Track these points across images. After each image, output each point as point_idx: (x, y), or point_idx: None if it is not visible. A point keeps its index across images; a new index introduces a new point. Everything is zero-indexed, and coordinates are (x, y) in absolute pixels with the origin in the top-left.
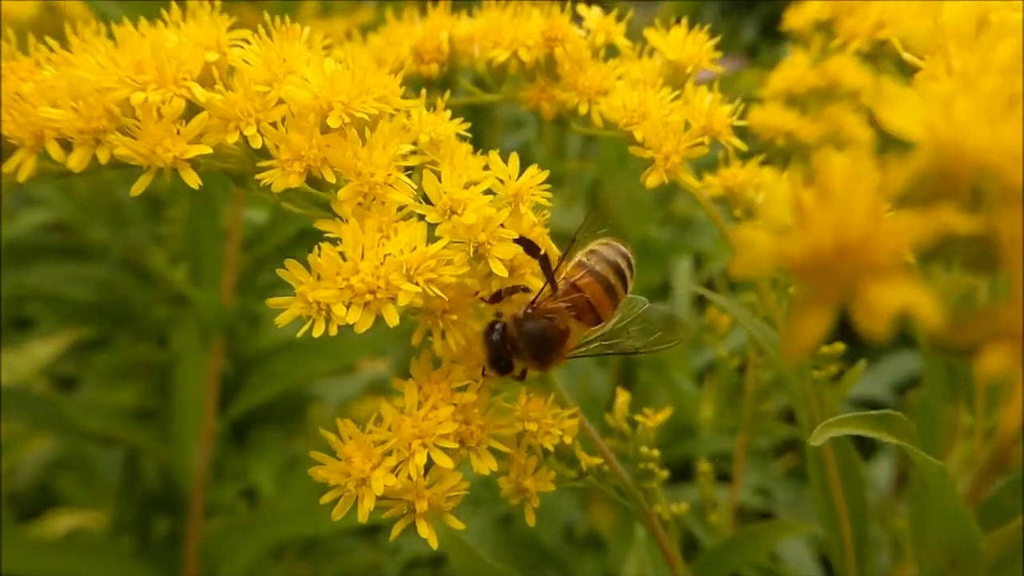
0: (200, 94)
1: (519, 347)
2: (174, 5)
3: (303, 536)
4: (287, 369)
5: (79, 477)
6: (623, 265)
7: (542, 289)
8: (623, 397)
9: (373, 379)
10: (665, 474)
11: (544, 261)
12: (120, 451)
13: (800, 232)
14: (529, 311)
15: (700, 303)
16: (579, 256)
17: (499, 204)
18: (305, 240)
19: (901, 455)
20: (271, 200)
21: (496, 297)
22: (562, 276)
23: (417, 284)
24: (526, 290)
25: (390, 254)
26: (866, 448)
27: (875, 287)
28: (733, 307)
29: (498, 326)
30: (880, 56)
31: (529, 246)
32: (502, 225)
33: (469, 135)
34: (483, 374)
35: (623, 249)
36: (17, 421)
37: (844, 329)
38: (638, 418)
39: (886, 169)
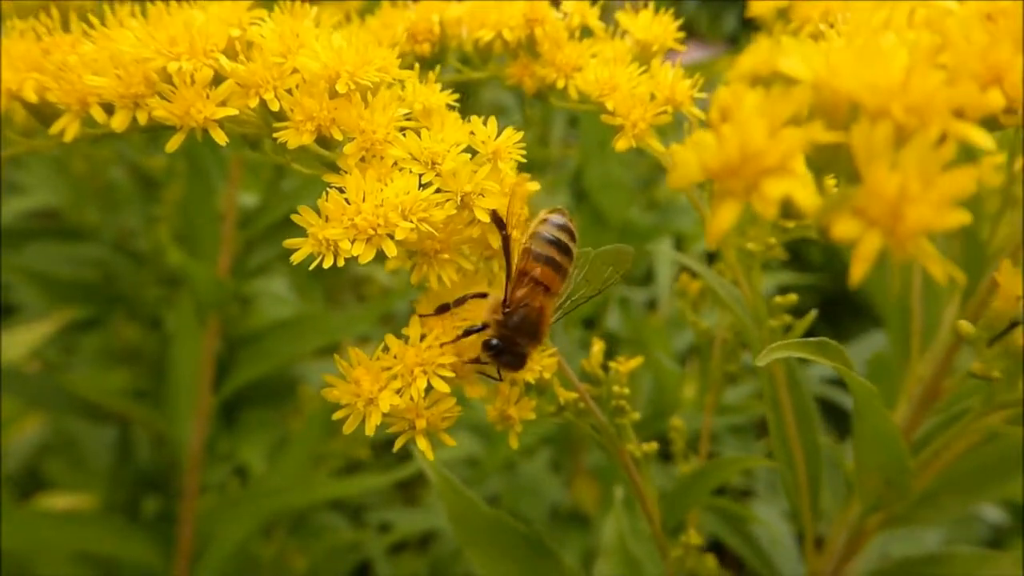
0: (226, 64)
1: (519, 341)
2: None
3: (292, 509)
4: (277, 347)
5: (68, 460)
6: (565, 238)
7: (507, 283)
8: (598, 346)
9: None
10: (636, 415)
11: (507, 241)
12: (111, 431)
13: (717, 148)
14: (506, 308)
15: None
16: (525, 242)
17: (480, 162)
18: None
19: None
20: (283, 160)
21: (443, 309)
22: (516, 266)
23: (411, 222)
24: (483, 296)
25: (387, 198)
26: (841, 431)
27: (768, 182)
28: (701, 269)
29: (493, 341)
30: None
31: (499, 222)
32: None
33: (458, 104)
34: (499, 376)
35: (561, 220)
36: (14, 400)
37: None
38: (611, 364)
39: (776, 101)
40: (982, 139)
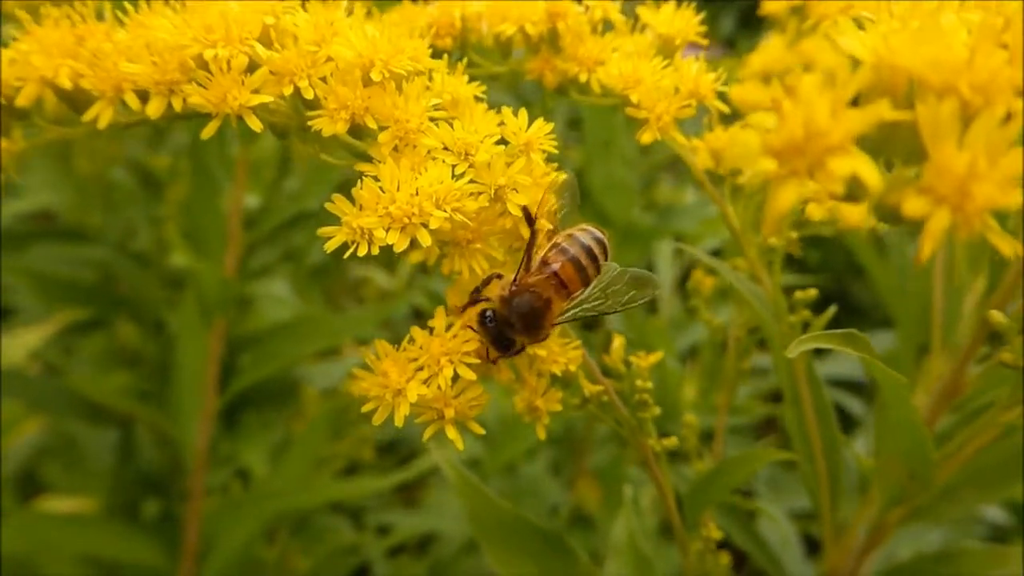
0: (262, 52)
1: (512, 323)
2: None
3: (295, 511)
4: (281, 349)
5: (66, 463)
6: (596, 249)
7: (520, 266)
8: (619, 340)
9: (358, 365)
10: (657, 410)
11: (532, 236)
12: (111, 433)
13: (779, 127)
14: (513, 288)
15: (682, 287)
16: (558, 238)
17: (512, 153)
18: (300, 222)
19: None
20: (311, 150)
21: (475, 294)
22: (540, 255)
23: (445, 212)
24: (499, 277)
25: (421, 187)
26: (845, 425)
27: (833, 160)
28: (717, 264)
29: (488, 312)
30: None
31: (528, 217)
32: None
33: (485, 96)
34: (488, 357)
35: (598, 234)
36: (14, 403)
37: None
38: (631, 359)
39: (837, 81)
40: None
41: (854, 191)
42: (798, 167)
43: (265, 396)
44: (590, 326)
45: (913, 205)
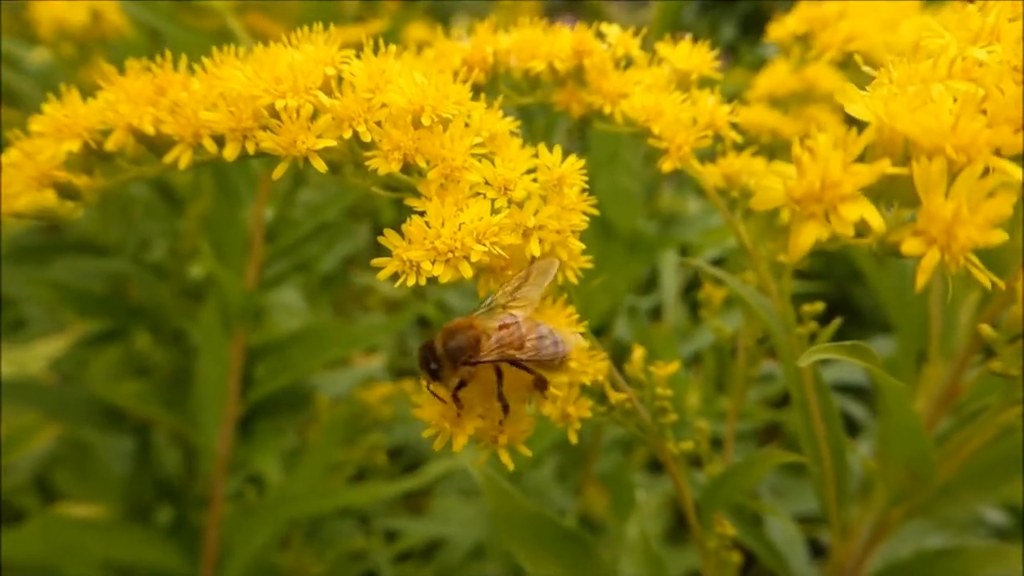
0: (324, 100)
1: (437, 350)
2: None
3: (310, 517)
4: (298, 358)
5: (77, 471)
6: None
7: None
8: (640, 351)
9: (367, 374)
10: (675, 416)
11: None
12: (125, 441)
13: (799, 178)
14: (457, 325)
15: (686, 295)
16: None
17: (546, 186)
18: (322, 233)
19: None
20: (363, 183)
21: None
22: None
23: (484, 245)
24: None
25: (464, 223)
26: (849, 430)
27: (845, 207)
28: (727, 278)
29: (428, 342)
30: (849, 64)
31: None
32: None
33: (519, 131)
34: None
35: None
36: (26, 413)
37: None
38: (651, 368)
39: (849, 141)
40: (1017, 173)
41: (861, 230)
42: (816, 211)
43: (279, 404)
44: (599, 332)
45: (910, 245)
